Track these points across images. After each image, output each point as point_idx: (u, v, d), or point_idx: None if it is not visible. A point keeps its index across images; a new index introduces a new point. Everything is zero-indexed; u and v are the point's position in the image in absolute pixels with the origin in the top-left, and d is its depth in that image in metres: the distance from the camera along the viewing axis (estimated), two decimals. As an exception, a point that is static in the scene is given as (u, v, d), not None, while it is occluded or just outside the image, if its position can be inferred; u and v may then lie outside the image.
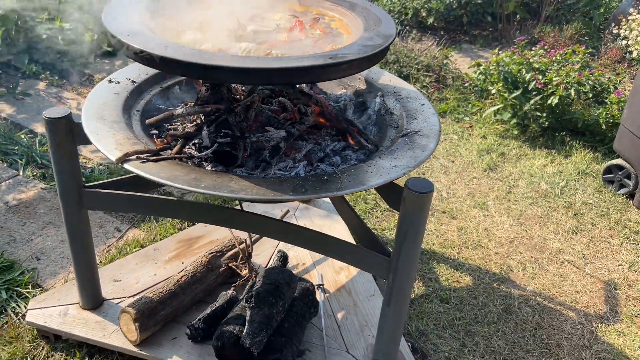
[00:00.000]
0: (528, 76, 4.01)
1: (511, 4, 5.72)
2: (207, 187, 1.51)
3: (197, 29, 1.81)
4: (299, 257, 2.61)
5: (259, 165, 1.79)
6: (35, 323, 2.17)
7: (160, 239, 2.73)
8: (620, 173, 3.45)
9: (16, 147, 3.35)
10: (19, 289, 2.41)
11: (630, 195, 3.42)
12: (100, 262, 2.60)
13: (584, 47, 4.30)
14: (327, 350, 2.13)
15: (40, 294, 2.37)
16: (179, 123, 1.93)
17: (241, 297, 2.20)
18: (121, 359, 2.14)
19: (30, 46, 4.48)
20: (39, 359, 2.13)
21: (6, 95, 4.01)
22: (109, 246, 2.73)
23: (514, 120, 4.11)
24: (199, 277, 2.27)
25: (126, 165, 1.58)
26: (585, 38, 5.69)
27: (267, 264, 2.51)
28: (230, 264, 2.36)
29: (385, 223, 3.07)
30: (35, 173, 3.20)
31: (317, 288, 2.40)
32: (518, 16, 5.98)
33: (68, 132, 1.83)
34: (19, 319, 2.29)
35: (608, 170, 3.54)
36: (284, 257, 2.46)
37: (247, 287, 2.25)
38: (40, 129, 3.65)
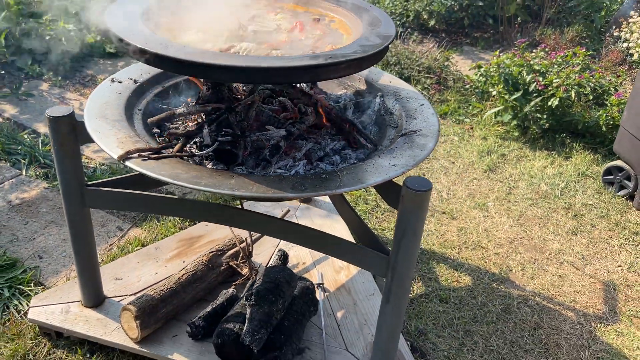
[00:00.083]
0: (528, 78, 4.02)
1: (512, 7, 5.73)
2: (207, 184, 1.53)
3: (198, 29, 1.83)
4: (299, 256, 2.63)
5: (259, 164, 1.80)
6: (37, 320, 2.19)
7: (162, 238, 2.75)
8: (620, 174, 3.46)
9: (19, 147, 3.38)
10: (22, 287, 2.43)
11: (630, 197, 3.43)
12: (102, 260, 2.62)
13: (584, 50, 4.32)
14: (326, 349, 2.14)
15: (42, 291, 2.39)
16: (180, 122, 1.95)
17: (241, 296, 2.21)
18: (122, 356, 2.16)
19: (33, 47, 4.51)
20: (41, 356, 2.15)
21: (9, 96, 4.04)
22: (110, 245, 2.75)
23: (515, 122, 4.12)
24: (200, 276, 2.28)
25: (128, 163, 1.60)
26: (586, 41, 5.70)
27: (268, 263, 2.53)
28: (230, 263, 2.38)
29: (385, 223, 3.09)
30: (38, 173, 3.22)
31: (317, 287, 2.41)
32: (519, 19, 5.99)
33: (71, 131, 1.85)
34: (21, 317, 2.30)
35: (608, 171, 3.55)
36: (284, 256, 2.47)
37: (248, 285, 2.26)
38: (43, 129, 3.68)
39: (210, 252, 2.38)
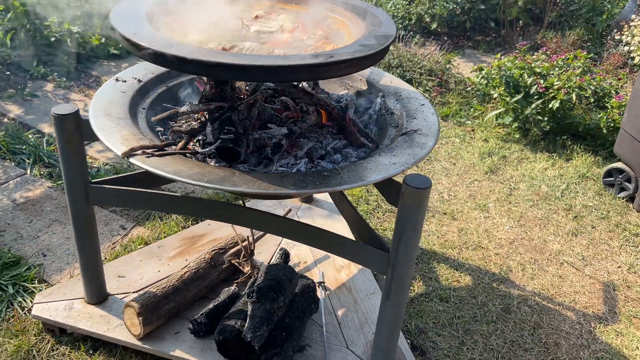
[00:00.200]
0: (530, 80, 4.04)
1: (514, 10, 5.76)
2: (210, 181, 1.55)
3: (202, 29, 1.86)
4: (301, 255, 2.65)
5: (261, 162, 1.83)
6: (41, 316, 2.21)
7: (165, 237, 2.77)
8: (620, 176, 3.48)
9: (24, 147, 3.41)
10: (25, 284, 2.45)
11: (631, 199, 3.44)
12: (105, 258, 2.64)
13: (585, 52, 4.34)
14: (327, 346, 2.16)
15: (46, 289, 2.42)
16: (183, 121, 1.98)
17: (243, 293, 2.23)
18: (125, 352, 2.18)
19: (38, 48, 4.56)
20: (44, 352, 2.17)
21: (15, 97, 4.08)
22: (113, 243, 2.78)
23: (516, 124, 4.14)
24: (202, 274, 2.30)
25: (132, 160, 1.62)
26: (588, 44, 5.73)
27: (269, 262, 2.55)
28: (232, 261, 2.40)
29: (386, 224, 3.10)
30: (42, 172, 3.25)
31: (318, 285, 2.43)
32: (521, 22, 6.02)
33: (76, 129, 1.88)
34: (25, 313, 2.33)
35: (608, 173, 3.56)
36: (285, 255, 2.50)
37: (249, 283, 2.28)
38: (47, 129, 3.71)
39: (212, 251, 2.40)
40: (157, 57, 1.56)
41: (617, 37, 5.37)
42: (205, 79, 2.04)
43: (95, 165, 3.37)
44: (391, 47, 5.05)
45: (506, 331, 2.46)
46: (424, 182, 1.64)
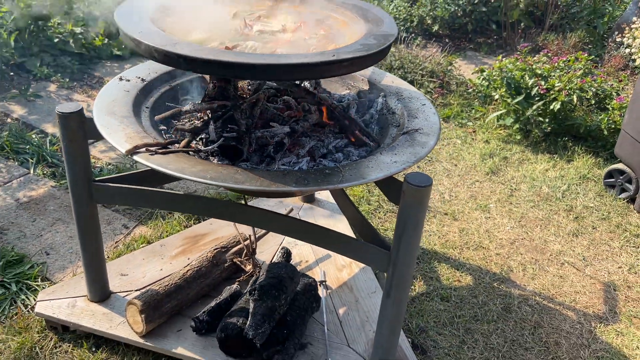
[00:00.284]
0: (531, 82, 4.06)
1: (515, 12, 5.78)
2: (213, 178, 1.57)
3: (204, 29, 1.88)
4: (302, 254, 2.66)
5: (263, 160, 1.84)
6: (44, 314, 2.23)
7: (167, 236, 2.79)
8: (621, 177, 3.49)
9: (27, 147, 3.43)
10: (29, 282, 2.47)
11: (631, 200, 3.45)
12: (108, 257, 2.65)
13: (586, 54, 4.35)
14: (328, 344, 2.17)
15: (49, 287, 2.43)
16: (186, 119, 1.99)
17: (245, 291, 2.25)
18: (127, 350, 2.19)
19: (42, 49, 4.58)
20: (47, 349, 2.18)
21: (18, 97, 4.10)
22: (116, 242, 2.79)
23: (517, 126, 4.15)
24: (204, 272, 2.32)
25: (135, 157, 1.64)
26: (589, 46, 5.74)
27: (271, 261, 2.56)
28: (234, 260, 2.41)
29: (387, 224, 3.12)
30: (45, 172, 3.27)
31: (320, 284, 2.45)
32: (522, 24, 6.03)
33: (80, 127, 1.89)
34: (28, 311, 2.34)
35: (609, 174, 3.57)
36: (287, 254, 2.51)
37: (251, 282, 2.29)
38: (50, 129, 3.73)
39: (214, 249, 2.42)
40: (161, 56, 1.57)
41: (618, 40, 5.38)
42: (208, 78, 2.06)
43: (98, 165, 3.38)
44: (393, 49, 5.07)
45: (507, 330, 2.47)
46: (425, 180, 1.65)
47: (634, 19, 5.22)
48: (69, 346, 2.20)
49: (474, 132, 4.26)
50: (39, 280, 2.50)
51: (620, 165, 3.49)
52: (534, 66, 4.17)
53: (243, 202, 2.34)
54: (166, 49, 1.55)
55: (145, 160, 1.62)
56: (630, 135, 3.32)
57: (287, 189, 1.57)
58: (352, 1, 2.11)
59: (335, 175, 1.65)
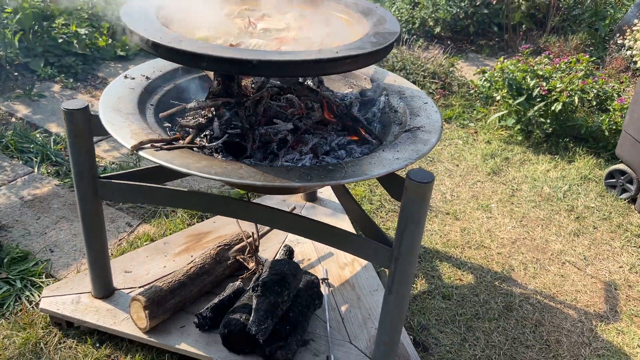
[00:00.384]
0: (532, 83, 4.07)
1: (517, 15, 5.80)
2: (217, 173, 1.59)
3: (210, 27, 1.90)
4: (305, 252, 2.68)
5: (266, 157, 1.86)
6: (48, 310, 2.25)
7: (170, 234, 2.81)
8: (622, 178, 3.50)
9: (31, 146, 3.45)
10: (33, 279, 2.49)
11: (632, 200, 3.47)
12: (112, 254, 2.67)
13: (587, 56, 4.37)
14: (330, 341, 2.19)
15: (53, 283, 2.45)
16: (190, 117, 2.01)
17: (248, 288, 2.26)
18: (130, 346, 2.21)
19: (46, 50, 4.61)
20: (52, 344, 2.20)
21: (22, 97, 4.13)
22: (120, 240, 2.81)
23: (518, 126, 4.17)
24: (208, 269, 2.33)
25: (141, 153, 1.66)
26: (591, 48, 5.76)
27: (274, 258, 2.57)
28: (237, 257, 2.43)
29: (389, 223, 3.13)
30: (49, 170, 3.29)
31: (322, 282, 2.46)
32: (524, 26, 6.06)
33: (85, 123, 1.91)
34: (32, 307, 2.36)
35: (610, 175, 3.59)
36: (290, 252, 2.52)
37: (254, 279, 2.31)
38: (54, 128, 3.75)
39: (217, 247, 2.44)
40: (167, 52, 1.59)
41: (619, 42, 5.40)
42: (212, 76, 2.08)
43: (101, 164, 3.40)
44: (395, 51, 5.09)
45: (508, 328, 2.49)
46: (427, 177, 1.67)
47: (635, 21, 5.23)
48: (73, 342, 2.22)
49: (476, 132, 4.28)
50: (43, 277, 2.52)
51: (621, 166, 3.50)
52: (535, 67, 4.19)
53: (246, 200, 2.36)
54: (172, 46, 1.57)
55: (151, 156, 1.64)
56: (631, 135, 3.34)
57: (291, 184, 1.59)
58: (356, 1, 2.13)
59: (338, 171, 1.66)
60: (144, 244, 2.74)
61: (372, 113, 2.18)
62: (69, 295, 2.31)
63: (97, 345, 2.21)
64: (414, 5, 6.43)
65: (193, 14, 1.95)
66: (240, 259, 2.43)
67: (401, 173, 1.74)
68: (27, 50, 4.52)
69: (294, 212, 2.85)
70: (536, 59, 4.38)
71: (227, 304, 2.21)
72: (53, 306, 2.26)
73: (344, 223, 2.88)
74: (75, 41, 4.69)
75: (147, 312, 2.10)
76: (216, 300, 2.23)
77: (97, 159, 3.41)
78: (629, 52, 5.20)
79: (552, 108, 3.98)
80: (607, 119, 3.96)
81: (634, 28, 5.17)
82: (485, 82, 4.39)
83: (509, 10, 5.84)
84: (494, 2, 5.90)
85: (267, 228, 2.61)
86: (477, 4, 6.01)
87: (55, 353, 2.16)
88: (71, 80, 4.47)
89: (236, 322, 2.06)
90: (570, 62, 4.30)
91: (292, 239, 2.75)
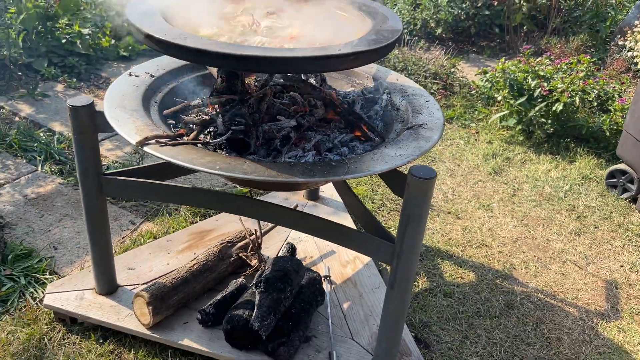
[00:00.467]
0: (533, 83, 4.09)
1: (518, 16, 5.82)
2: (221, 168, 1.61)
3: (214, 24, 1.92)
4: (307, 250, 2.69)
5: (270, 154, 1.88)
6: (52, 306, 2.26)
7: (173, 232, 2.82)
8: (623, 178, 3.51)
9: (35, 144, 3.47)
10: (37, 275, 2.50)
11: (633, 200, 3.48)
12: (115, 252, 2.68)
13: (588, 57, 4.38)
14: (332, 337, 2.20)
15: (57, 280, 2.46)
16: (194, 114, 2.03)
17: (250, 285, 2.27)
18: (134, 342, 2.22)
19: (49, 50, 4.63)
20: (56, 340, 2.21)
21: (26, 96, 4.15)
22: (123, 237, 2.83)
23: (520, 127, 4.18)
24: (211, 266, 2.35)
25: (146, 148, 1.67)
26: (592, 50, 5.77)
27: (276, 256, 2.59)
28: (240, 254, 2.44)
29: (391, 222, 3.15)
30: (53, 169, 3.31)
31: (324, 279, 2.47)
32: (525, 28, 6.07)
33: (90, 120, 1.93)
34: (36, 304, 2.38)
35: (611, 175, 3.60)
36: (292, 249, 2.54)
37: (257, 276, 2.32)
38: (58, 127, 3.77)
39: (220, 244, 2.45)
40: (173, 49, 1.61)
41: (620, 43, 5.41)
42: (215, 75, 2.10)
43: (105, 163, 3.42)
44: (396, 51, 5.11)
45: (509, 326, 2.50)
46: (429, 173, 1.68)
47: (636, 22, 5.25)
48: (77, 338, 2.23)
49: (477, 133, 4.29)
50: (47, 273, 2.53)
51: (622, 166, 3.52)
52: (536, 68, 4.21)
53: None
54: (177, 42, 1.59)
55: (155, 152, 1.66)
56: (632, 135, 3.35)
57: (294, 180, 1.60)
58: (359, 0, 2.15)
59: (341, 167, 1.68)
60: (147, 241, 2.76)
61: (375, 111, 2.20)
62: (72, 292, 2.33)
63: (101, 341, 2.22)
64: (416, 7, 6.45)
65: (198, 12, 1.97)
66: (243, 257, 2.44)
67: (404, 170, 1.75)
68: (31, 50, 4.55)
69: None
70: (537, 60, 4.40)
71: (229, 301, 2.22)
72: (57, 302, 2.27)
73: (346, 221, 2.89)
74: (78, 41, 4.71)
75: (150, 308, 2.11)
76: (219, 296, 2.24)
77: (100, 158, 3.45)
78: (629, 54, 5.21)
79: (553, 108, 3.99)
80: (608, 120, 3.97)
81: (634, 29, 5.19)
82: (487, 83, 4.41)
83: (510, 11, 5.86)
84: (495, 4, 5.92)
85: (269, 226, 2.63)
86: (479, 5, 6.04)
87: (59, 348, 2.18)
88: (74, 80, 4.49)
89: (239, 318, 2.07)
90: (571, 63, 4.32)
91: (294, 237, 2.76)
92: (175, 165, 1.64)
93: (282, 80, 2.09)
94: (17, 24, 4.42)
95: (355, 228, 2.81)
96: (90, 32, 4.82)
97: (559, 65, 4.27)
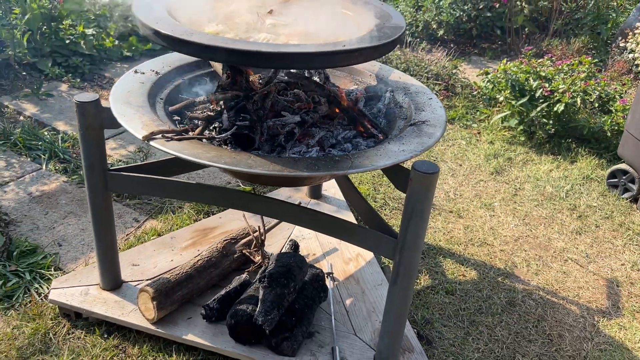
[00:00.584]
0: (535, 84, 4.11)
1: (520, 18, 5.84)
2: (227, 163, 1.63)
3: (219, 21, 1.94)
4: (310, 248, 2.71)
5: (274, 149, 1.90)
6: (57, 301, 2.28)
7: (177, 229, 2.84)
8: (624, 177, 3.53)
9: (39, 143, 3.50)
10: (42, 271, 2.52)
11: (634, 199, 3.49)
12: (119, 248, 2.70)
13: (590, 58, 4.40)
14: (335, 333, 2.21)
15: (61, 276, 2.48)
16: (199, 110, 2.05)
17: (254, 281, 2.29)
18: (138, 337, 2.24)
19: (54, 50, 4.66)
20: (61, 335, 2.23)
21: (30, 96, 4.18)
22: (127, 235, 2.85)
23: (521, 127, 4.20)
24: (214, 262, 2.37)
25: (152, 143, 1.69)
26: (593, 52, 5.79)
27: (280, 252, 2.61)
28: (244, 251, 2.46)
29: (393, 220, 3.16)
30: (57, 167, 3.33)
31: (327, 276, 2.49)
32: (526, 30, 6.10)
33: (96, 115, 1.95)
34: (41, 299, 2.39)
35: (612, 174, 3.61)
36: (295, 246, 2.56)
37: (260, 272, 2.34)
38: (62, 126, 3.80)
39: (224, 240, 2.47)
40: (179, 45, 1.63)
41: (621, 45, 5.44)
42: (220, 71, 2.12)
43: (109, 162, 3.44)
44: (399, 52, 5.14)
45: (511, 323, 2.51)
46: (432, 168, 1.70)
47: (638, 24, 5.27)
48: (82, 332, 2.25)
49: (479, 133, 4.31)
50: (52, 270, 2.55)
51: (623, 166, 3.53)
52: (538, 69, 4.23)
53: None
54: (183, 38, 1.61)
55: (162, 146, 1.68)
56: (633, 135, 3.37)
57: (299, 174, 1.62)
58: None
59: (345, 161, 1.70)
60: (151, 238, 2.78)
61: (378, 108, 2.22)
62: (77, 287, 2.34)
63: (105, 336, 2.24)
64: (418, 9, 6.48)
65: (203, 9, 1.99)
66: (247, 253, 2.46)
67: (406, 165, 1.77)
68: (35, 51, 4.58)
69: (299, 208, 2.89)
70: (539, 61, 4.42)
71: (233, 296, 2.24)
72: (62, 297, 2.29)
73: (349, 219, 2.90)
74: (82, 42, 4.74)
75: (155, 303, 2.13)
76: (223, 292, 2.26)
77: (104, 156, 3.47)
78: (631, 55, 5.23)
79: (555, 109, 4.01)
80: (609, 120, 3.99)
81: (636, 31, 5.21)
82: (489, 84, 4.43)
83: (512, 13, 5.89)
84: (497, 6, 5.95)
85: (273, 223, 2.64)
86: (480, 7, 6.06)
87: (64, 343, 2.20)
88: (78, 80, 4.52)
89: (243, 312, 2.09)
90: (573, 64, 4.34)
91: (297, 234, 2.78)
92: (181, 159, 1.66)
93: (286, 77, 2.12)
94: (22, 24, 4.45)
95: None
96: (94, 32, 4.85)
97: (560, 67, 4.29)
